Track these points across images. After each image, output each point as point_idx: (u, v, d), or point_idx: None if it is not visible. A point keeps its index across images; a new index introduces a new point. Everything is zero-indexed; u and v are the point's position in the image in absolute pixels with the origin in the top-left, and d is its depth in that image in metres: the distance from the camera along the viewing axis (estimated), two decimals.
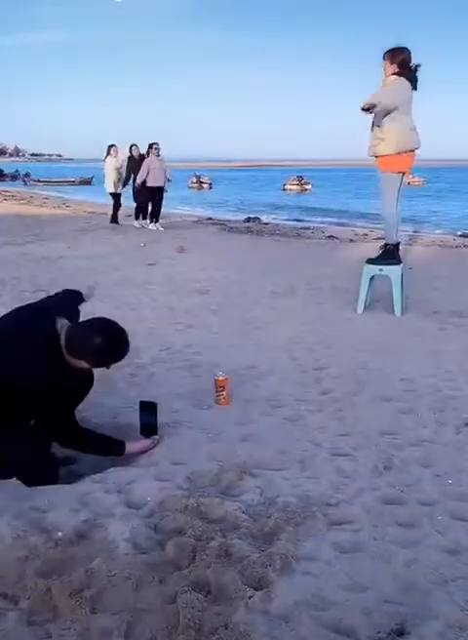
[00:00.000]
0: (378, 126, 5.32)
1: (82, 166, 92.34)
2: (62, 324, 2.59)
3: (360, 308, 5.77)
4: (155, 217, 13.50)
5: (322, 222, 19.59)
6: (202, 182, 47.02)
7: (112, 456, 2.82)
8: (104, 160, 13.63)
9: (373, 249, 11.40)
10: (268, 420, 3.30)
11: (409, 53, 5.32)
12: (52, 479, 2.59)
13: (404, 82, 5.27)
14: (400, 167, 5.35)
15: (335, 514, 2.32)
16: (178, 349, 4.63)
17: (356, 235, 14.63)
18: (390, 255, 5.66)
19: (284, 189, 43.18)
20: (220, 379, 3.53)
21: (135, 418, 3.33)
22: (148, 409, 3.01)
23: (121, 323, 2.59)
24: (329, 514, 2.31)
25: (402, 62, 5.28)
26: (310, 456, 2.82)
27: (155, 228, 13.24)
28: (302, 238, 13.61)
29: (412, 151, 5.37)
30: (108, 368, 2.64)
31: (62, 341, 2.53)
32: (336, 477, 2.63)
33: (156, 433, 3.00)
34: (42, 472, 2.58)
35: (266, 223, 18.33)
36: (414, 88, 5.34)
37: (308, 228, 16.72)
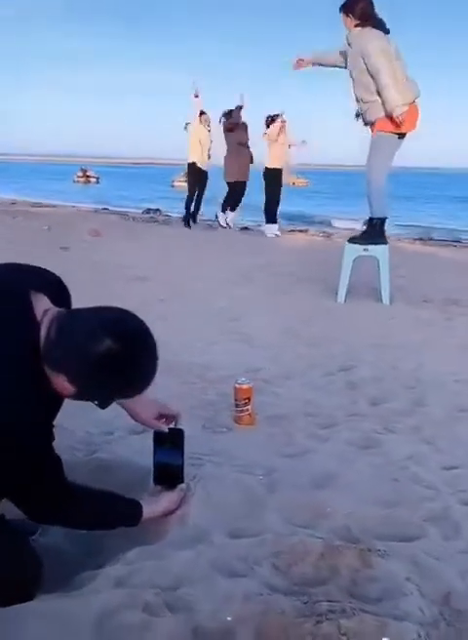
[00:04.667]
0: (367, 89, 4.47)
1: None
2: (46, 307, 1.40)
3: (341, 297, 4.85)
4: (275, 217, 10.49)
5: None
6: (88, 176, 44.60)
7: (124, 526, 1.66)
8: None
9: (295, 239, 10.69)
10: (328, 448, 2.26)
11: (369, 1, 4.52)
12: (31, 589, 1.41)
13: (372, 31, 4.46)
14: (400, 126, 4.47)
15: None
16: None
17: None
18: (377, 232, 4.79)
19: (173, 186, 41.92)
20: (244, 387, 2.45)
21: (121, 450, 2.25)
22: (171, 442, 1.84)
23: None
24: None
25: (362, 13, 4.48)
26: (439, 509, 1.81)
27: (275, 234, 10.43)
28: (214, 228, 12.63)
29: (413, 103, 4.51)
30: (104, 407, 1.43)
31: (42, 337, 1.34)
32: None
33: (183, 480, 1.86)
34: (16, 580, 1.38)
35: (169, 215, 17.18)
36: (386, 31, 4.54)
37: (217, 220, 15.75)
